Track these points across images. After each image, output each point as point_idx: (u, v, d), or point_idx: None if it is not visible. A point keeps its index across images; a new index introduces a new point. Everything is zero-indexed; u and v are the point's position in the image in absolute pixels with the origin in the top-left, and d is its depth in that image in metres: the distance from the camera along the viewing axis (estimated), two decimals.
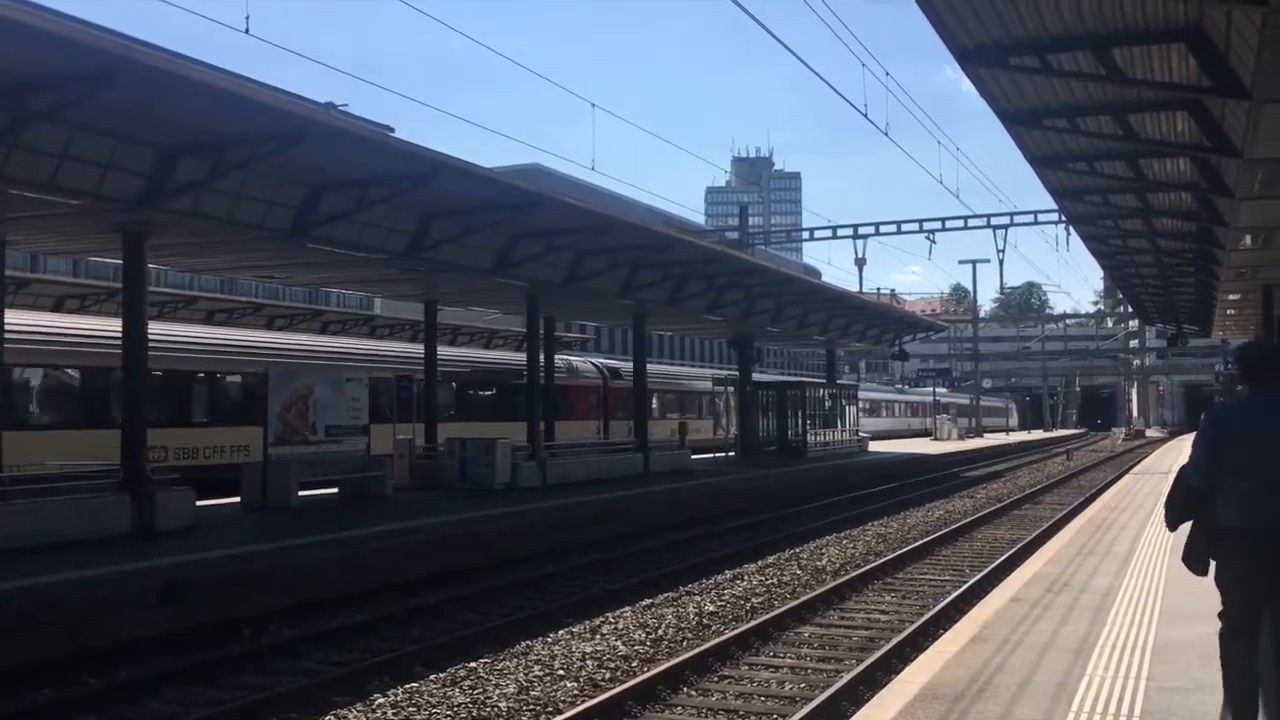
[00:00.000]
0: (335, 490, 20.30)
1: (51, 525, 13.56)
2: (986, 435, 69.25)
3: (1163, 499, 5.60)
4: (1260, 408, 5.11)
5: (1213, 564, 5.18)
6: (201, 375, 23.88)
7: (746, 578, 14.75)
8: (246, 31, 14.02)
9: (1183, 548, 5.33)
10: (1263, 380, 5.15)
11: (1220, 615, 5.14)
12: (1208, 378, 78.34)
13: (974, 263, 69.57)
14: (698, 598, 13.22)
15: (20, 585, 10.59)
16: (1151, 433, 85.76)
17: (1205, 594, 8.23)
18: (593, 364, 39.14)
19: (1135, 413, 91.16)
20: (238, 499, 18.67)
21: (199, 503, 16.08)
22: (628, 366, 34.62)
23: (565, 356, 36.67)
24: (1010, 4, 8.95)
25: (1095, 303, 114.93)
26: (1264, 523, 4.88)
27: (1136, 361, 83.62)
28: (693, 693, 9.02)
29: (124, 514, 14.61)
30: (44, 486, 14.61)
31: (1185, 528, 5.37)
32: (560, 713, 8.18)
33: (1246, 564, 4.95)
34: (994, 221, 39.31)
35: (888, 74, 24.75)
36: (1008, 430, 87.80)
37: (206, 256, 19.67)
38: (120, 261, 17.08)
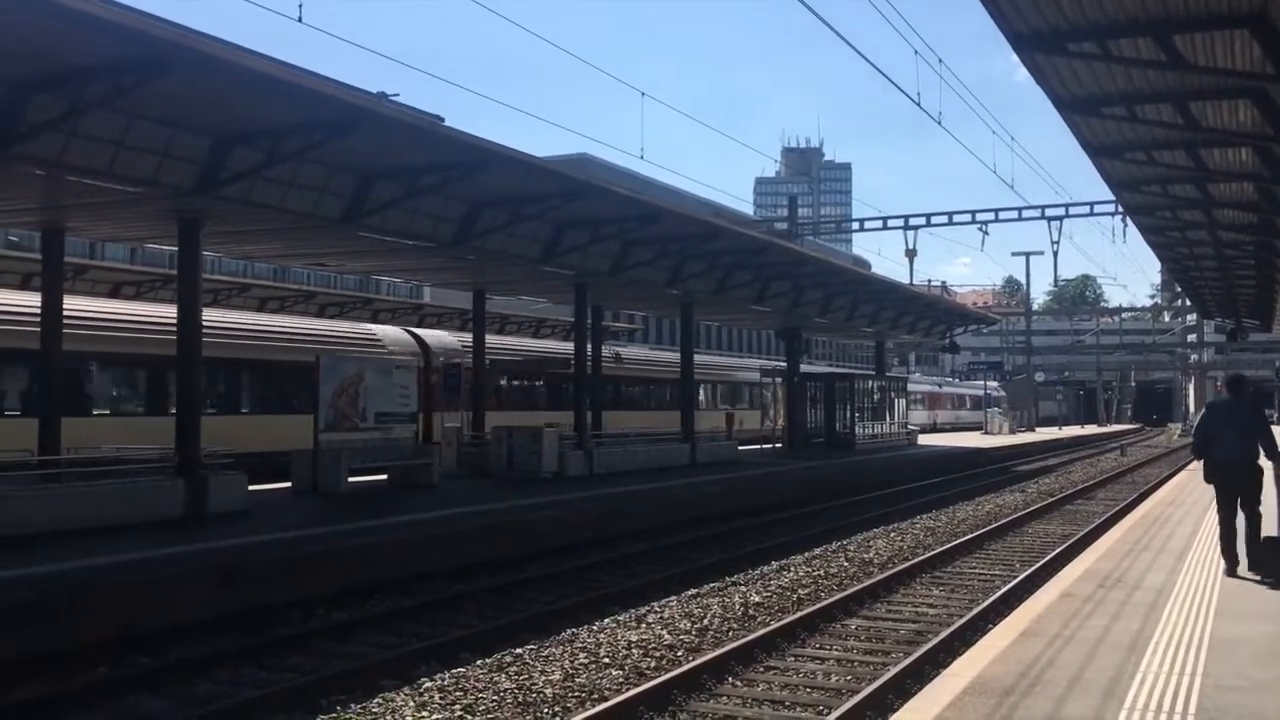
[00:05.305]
0: (384, 477, 20.49)
1: (106, 508, 13.80)
2: (1039, 430, 68.33)
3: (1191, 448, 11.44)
4: (1228, 405, 10.85)
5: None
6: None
7: (793, 569, 14.67)
8: (299, 20, 14.13)
9: (1202, 475, 10.93)
10: (1231, 391, 11.05)
11: (1216, 502, 10.72)
12: (1268, 373, 76.29)
13: (1027, 255, 68.96)
14: (744, 588, 13.18)
15: (75, 566, 10.81)
16: None
17: (1262, 592, 8.32)
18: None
19: (1193, 408, 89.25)
20: (289, 484, 18.93)
21: (250, 487, 16.31)
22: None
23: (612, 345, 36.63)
24: None
25: (1152, 296, 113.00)
26: (1224, 457, 10.43)
27: (1194, 356, 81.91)
28: (738, 683, 8.99)
29: (177, 498, 14.84)
30: (100, 470, 14.87)
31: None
32: (606, 700, 8.18)
33: (1221, 477, 10.57)
34: (1048, 213, 38.68)
35: (941, 62, 24.45)
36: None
37: (259, 244, 19.90)
38: (175, 248, 17.34)
